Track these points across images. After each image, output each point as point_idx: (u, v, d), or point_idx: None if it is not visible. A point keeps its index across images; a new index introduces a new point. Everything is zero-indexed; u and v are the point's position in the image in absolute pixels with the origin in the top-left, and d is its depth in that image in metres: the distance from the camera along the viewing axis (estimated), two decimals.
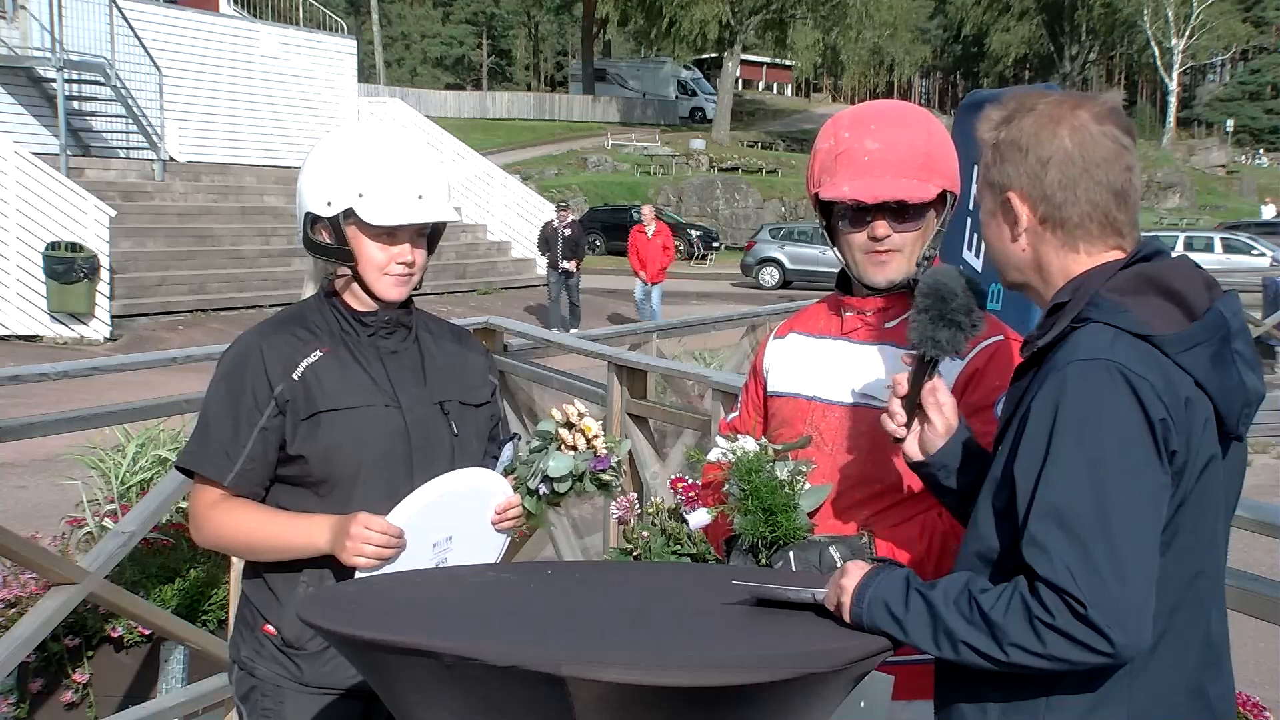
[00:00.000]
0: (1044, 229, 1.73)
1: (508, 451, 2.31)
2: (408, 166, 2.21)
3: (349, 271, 2.26)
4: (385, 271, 2.23)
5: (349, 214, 2.20)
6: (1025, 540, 1.57)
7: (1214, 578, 1.71)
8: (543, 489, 2.22)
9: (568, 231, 18.13)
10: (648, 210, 19.41)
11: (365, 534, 2.10)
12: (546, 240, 18.34)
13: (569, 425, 2.22)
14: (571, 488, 2.22)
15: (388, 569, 2.13)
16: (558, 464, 2.19)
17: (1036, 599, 1.53)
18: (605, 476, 2.22)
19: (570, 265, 18.11)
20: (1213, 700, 1.70)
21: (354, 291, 2.28)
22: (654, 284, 18.77)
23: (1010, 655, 1.55)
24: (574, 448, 2.20)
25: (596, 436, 2.21)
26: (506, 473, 2.28)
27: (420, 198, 2.20)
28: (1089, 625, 1.50)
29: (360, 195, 2.18)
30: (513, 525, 2.27)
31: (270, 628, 2.27)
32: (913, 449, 1.91)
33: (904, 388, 1.90)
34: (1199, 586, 1.67)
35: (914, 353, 1.88)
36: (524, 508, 2.25)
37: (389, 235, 2.21)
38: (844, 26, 53.06)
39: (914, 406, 1.89)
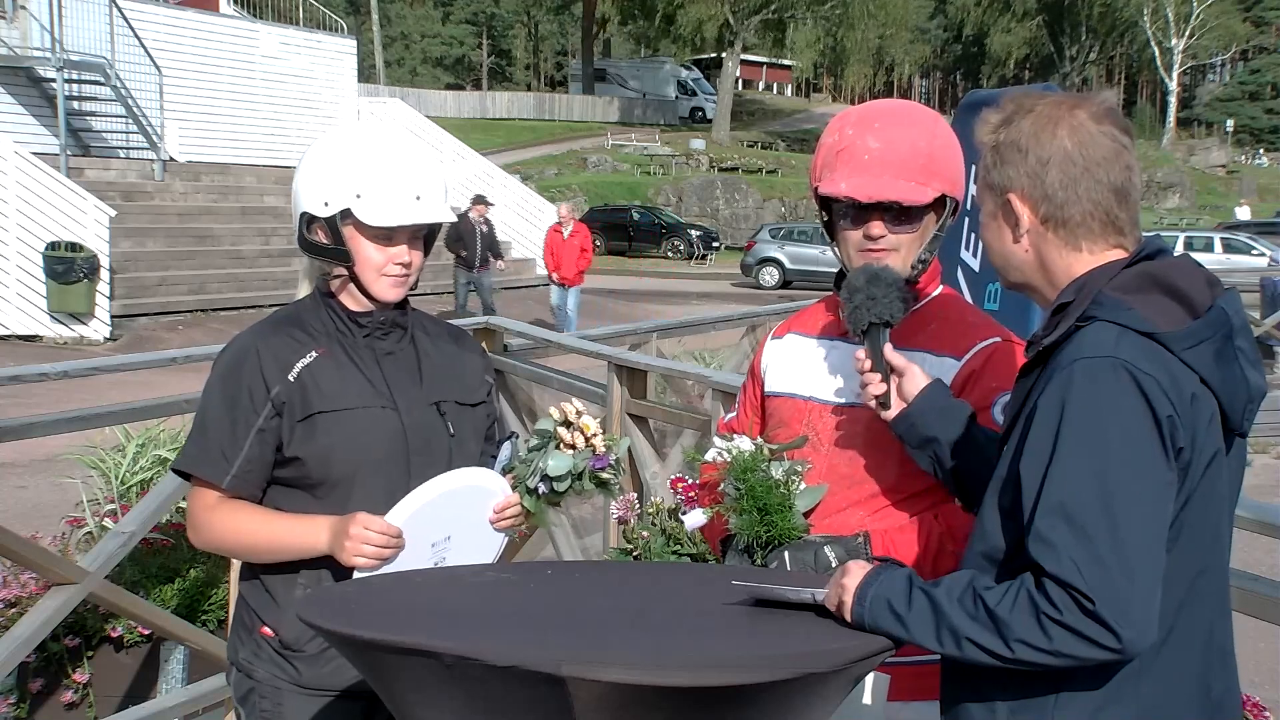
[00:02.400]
0: (1046, 229, 1.73)
1: (506, 450, 2.31)
2: (406, 167, 2.20)
3: (345, 272, 2.25)
4: (382, 272, 2.23)
5: (346, 214, 2.19)
6: (1032, 537, 1.57)
7: (1218, 575, 1.71)
8: (542, 488, 2.21)
9: (484, 228, 16.28)
10: (565, 209, 17.18)
11: (364, 534, 2.09)
12: (461, 237, 16.05)
13: (567, 424, 2.21)
14: (570, 487, 2.21)
15: (386, 569, 2.13)
16: (557, 463, 2.19)
17: (1043, 594, 1.53)
18: (604, 475, 2.21)
19: (499, 263, 16.67)
20: (1218, 698, 1.70)
21: (350, 292, 2.28)
22: (570, 287, 16.81)
23: (1016, 651, 1.55)
24: (573, 446, 2.20)
25: (595, 435, 2.21)
26: (505, 472, 2.28)
27: (418, 198, 2.20)
28: (1096, 620, 1.50)
29: (358, 196, 2.18)
30: (511, 524, 2.27)
31: (268, 630, 2.27)
32: (895, 406, 2.03)
33: (868, 362, 2.04)
34: (1202, 584, 1.67)
35: (860, 335, 2.06)
36: (523, 507, 2.25)
37: (386, 236, 2.21)
38: (847, 26, 53.07)
39: (886, 371, 2.03)
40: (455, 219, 2.37)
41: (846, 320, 2.07)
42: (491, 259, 16.48)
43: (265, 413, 2.19)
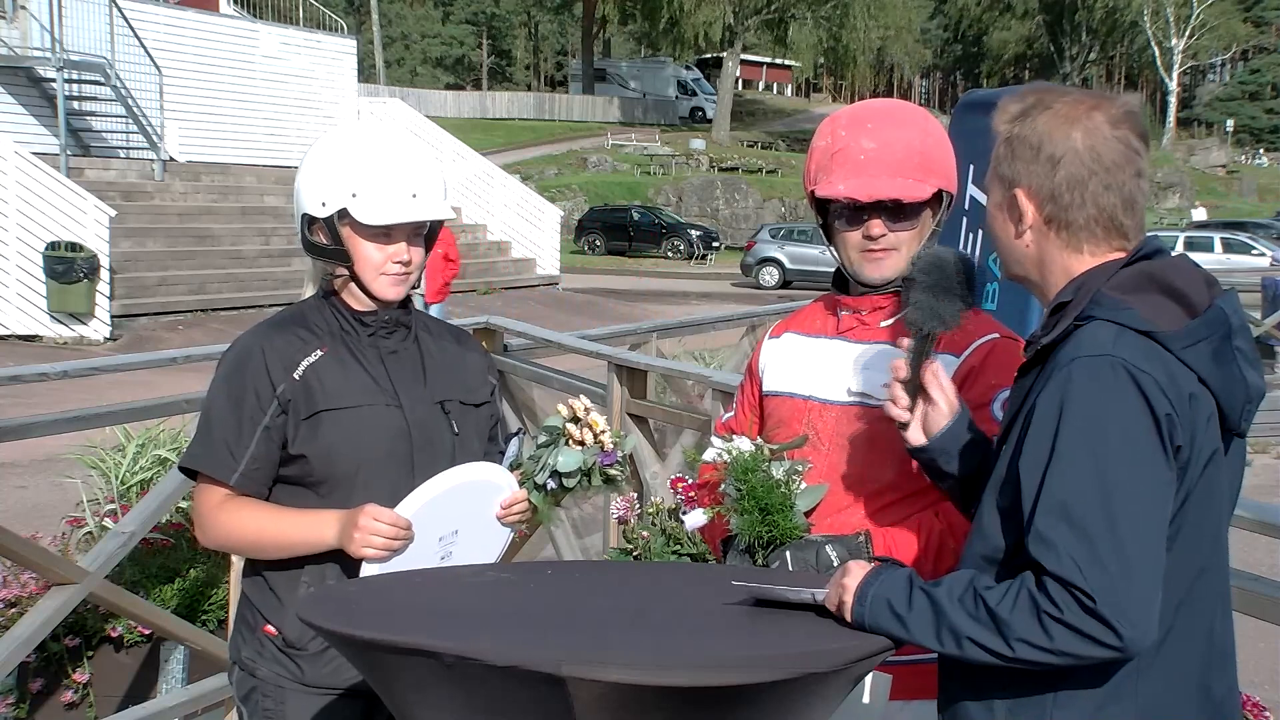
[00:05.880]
0: (1048, 228, 1.72)
1: (514, 446, 2.32)
2: (401, 165, 2.21)
3: (345, 272, 2.26)
4: (382, 271, 2.23)
5: (343, 214, 2.20)
6: (1032, 536, 1.57)
7: (1218, 575, 1.71)
8: (551, 484, 2.22)
9: None
10: None
11: (374, 525, 2.10)
12: None
13: (576, 420, 2.22)
14: (579, 483, 2.22)
15: (394, 562, 2.13)
16: (567, 459, 2.19)
17: (1044, 594, 1.53)
18: (612, 471, 2.22)
19: None
20: (1218, 698, 1.70)
21: (352, 291, 2.28)
22: (433, 304, 14.57)
23: (1017, 651, 1.55)
24: (582, 443, 2.21)
25: (604, 431, 2.22)
26: (513, 468, 2.28)
27: (414, 196, 2.20)
28: (1097, 619, 1.50)
29: (354, 195, 2.18)
30: (518, 520, 2.28)
31: (271, 628, 2.27)
32: (916, 434, 1.92)
33: (904, 371, 1.91)
34: (1202, 583, 1.67)
35: (914, 334, 1.90)
36: (530, 502, 2.26)
37: (385, 235, 2.21)
38: (849, 27, 53.08)
39: (916, 389, 1.90)
40: (452, 216, 2.36)
41: (905, 317, 1.93)
42: None
43: (271, 411, 2.20)
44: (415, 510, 2.14)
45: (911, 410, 1.91)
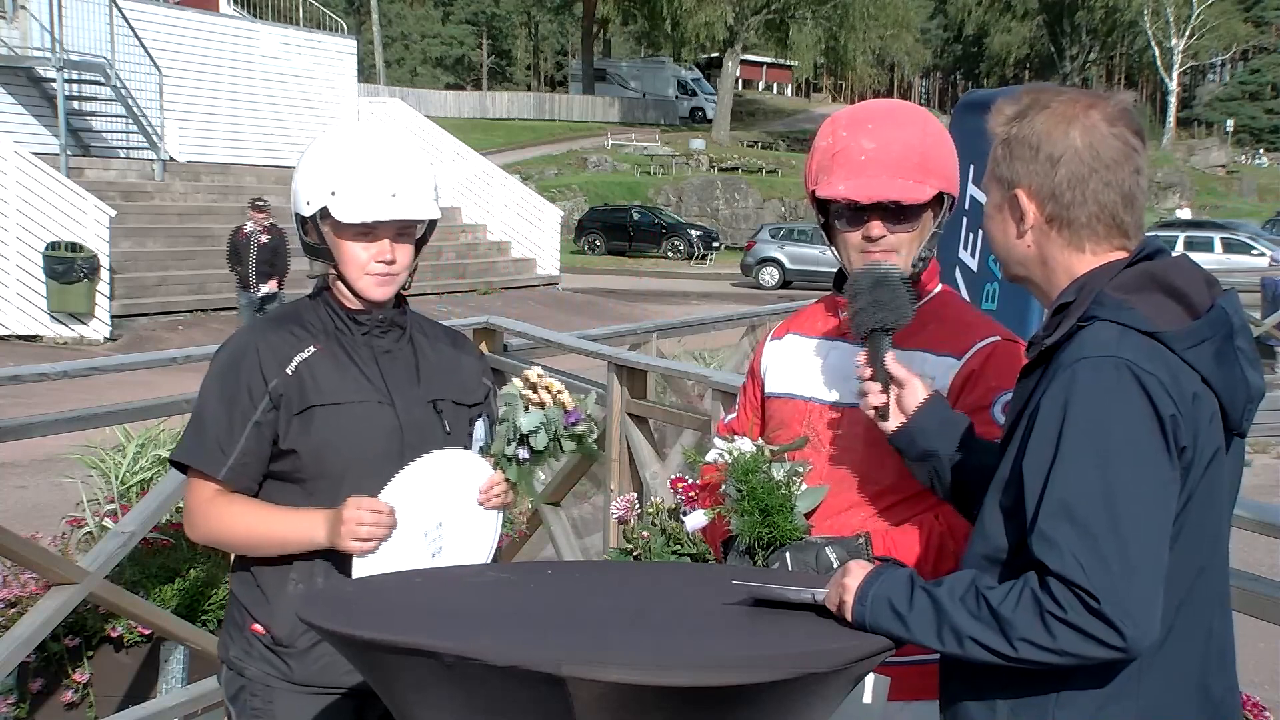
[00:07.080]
0: (1050, 228, 1.72)
1: (479, 430, 2.34)
2: (381, 164, 2.20)
3: (334, 270, 2.27)
4: (366, 271, 2.24)
5: (325, 213, 2.21)
6: (1035, 536, 1.57)
7: (1218, 574, 1.71)
8: (521, 453, 2.22)
9: (264, 239, 12.77)
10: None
11: (358, 515, 2.11)
12: (236, 251, 13.06)
13: (532, 388, 2.22)
14: (548, 447, 2.22)
15: (383, 556, 2.13)
16: (530, 420, 2.20)
17: (1047, 593, 1.53)
18: (580, 429, 2.22)
19: (271, 286, 12.81)
20: (1218, 698, 1.70)
21: (343, 290, 2.30)
22: None
23: (1019, 650, 1.55)
24: (541, 405, 2.21)
25: (560, 392, 2.22)
26: (483, 452, 2.29)
27: (394, 195, 2.20)
28: (1101, 619, 1.50)
29: (333, 194, 2.19)
30: (500, 502, 2.27)
31: (258, 626, 2.27)
32: (895, 418, 1.99)
33: (868, 370, 2.00)
34: (1203, 583, 1.67)
35: (864, 338, 2.02)
36: (507, 480, 2.26)
37: (366, 234, 2.22)
38: (848, 27, 53.10)
39: (886, 379, 1.99)
40: (438, 216, 2.34)
41: (850, 324, 2.05)
42: (270, 277, 12.90)
43: (263, 406, 2.20)
44: (395, 494, 2.15)
45: (886, 393, 1.99)
